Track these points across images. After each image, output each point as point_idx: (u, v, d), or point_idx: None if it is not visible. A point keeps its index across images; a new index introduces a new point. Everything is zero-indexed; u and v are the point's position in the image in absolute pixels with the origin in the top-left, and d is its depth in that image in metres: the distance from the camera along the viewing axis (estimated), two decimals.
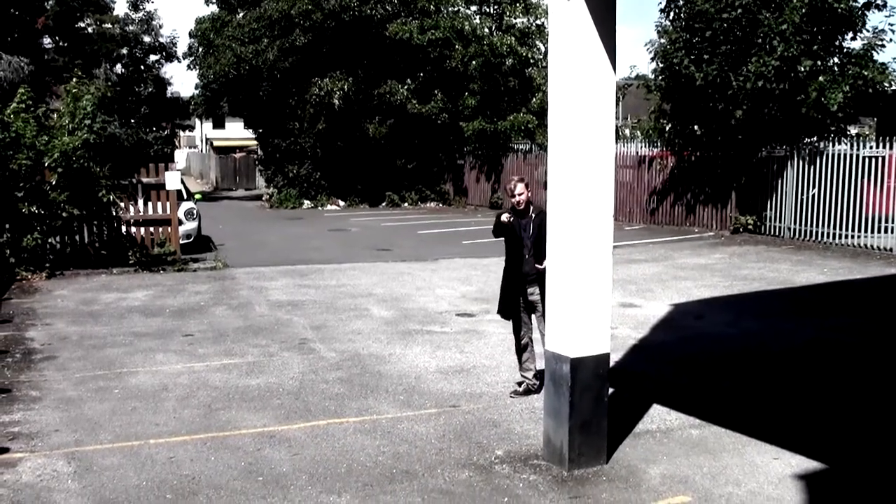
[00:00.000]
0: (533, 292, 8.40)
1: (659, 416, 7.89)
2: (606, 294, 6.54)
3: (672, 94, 23.91)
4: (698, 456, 6.86)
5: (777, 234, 21.93)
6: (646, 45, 23.89)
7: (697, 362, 9.84)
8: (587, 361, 6.46)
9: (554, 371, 6.60)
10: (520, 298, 8.49)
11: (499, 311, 8.81)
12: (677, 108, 24.17)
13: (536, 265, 8.19)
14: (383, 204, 36.05)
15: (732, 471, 6.53)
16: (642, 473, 6.51)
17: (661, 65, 23.58)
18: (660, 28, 24.06)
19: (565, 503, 5.97)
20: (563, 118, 6.42)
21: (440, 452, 7.00)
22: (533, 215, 8.30)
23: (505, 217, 8.22)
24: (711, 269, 16.91)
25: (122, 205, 18.08)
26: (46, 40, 41.47)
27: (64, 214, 17.03)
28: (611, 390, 6.81)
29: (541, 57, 34.67)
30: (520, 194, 8.24)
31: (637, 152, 26.61)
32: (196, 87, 42.75)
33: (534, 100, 33.25)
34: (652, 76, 25.02)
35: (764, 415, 7.94)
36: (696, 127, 23.99)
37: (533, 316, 8.60)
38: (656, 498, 6.06)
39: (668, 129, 25.04)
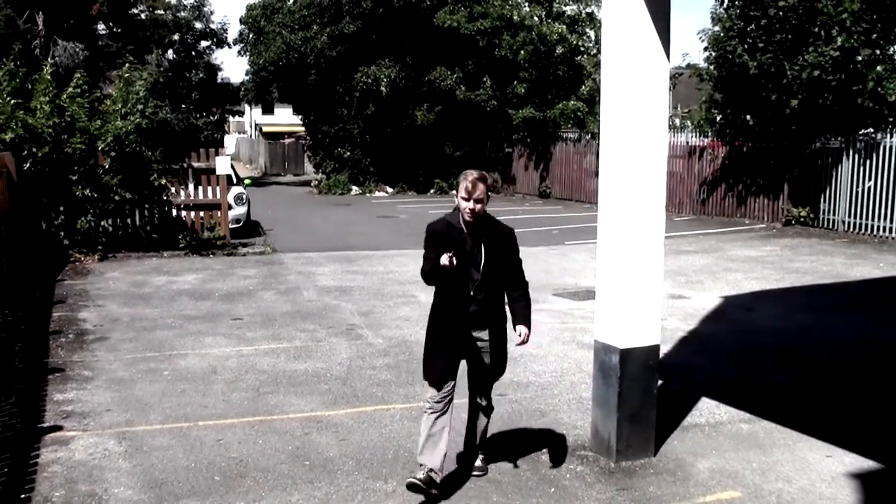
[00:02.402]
0: (482, 336, 5.88)
1: (708, 410, 7.80)
2: (657, 285, 6.47)
3: (725, 83, 23.63)
4: (748, 451, 6.77)
5: (830, 227, 21.62)
6: (699, 33, 23.67)
7: (747, 356, 9.72)
8: (636, 352, 6.40)
9: (603, 362, 6.54)
10: (458, 353, 5.90)
11: (426, 376, 5.91)
12: (730, 97, 23.89)
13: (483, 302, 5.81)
14: (431, 191, 36.06)
15: (783, 467, 6.43)
16: (690, 467, 6.44)
17: (714, 53, 23.31)
18: (715, 16, 23.76)
19: (612, 495, 5.92)
20: (616, 107, 6.34)
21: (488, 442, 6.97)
22: (485, 235, 5.75)
23: (445, 259, 5.44)
24: (762, 261, 16.70)
25: (173, 189, 18.27)
26: (101, 26, 41.90)
27: (116, 198, 17.23)
28: (659, 382, 6.74)
29: (591, 45, 34.46)
30: (478, 200, 5.59)
31: (687, 142, 26.37)
32: (246, 74, 43.09)
33: (583, 88, 33.05)
34: (704, 65, 24.76)
35: (816, 411, 7.82)
36: (748, 117, 23.69)
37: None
38: (705, 492, 5.98)
39: (719, 118, 24.75)
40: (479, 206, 5.61)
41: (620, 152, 6.32)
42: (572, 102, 32.39)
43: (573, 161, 31.69)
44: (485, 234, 5.75)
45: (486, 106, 34.15)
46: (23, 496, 5.78)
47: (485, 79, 34.40)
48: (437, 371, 5.82)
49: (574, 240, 19.63)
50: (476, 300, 5.77)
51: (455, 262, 5.43)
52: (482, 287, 5.76)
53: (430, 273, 5.68)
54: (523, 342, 5.86)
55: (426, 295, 13.01)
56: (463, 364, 5.99)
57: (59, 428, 7.21)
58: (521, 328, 5.86)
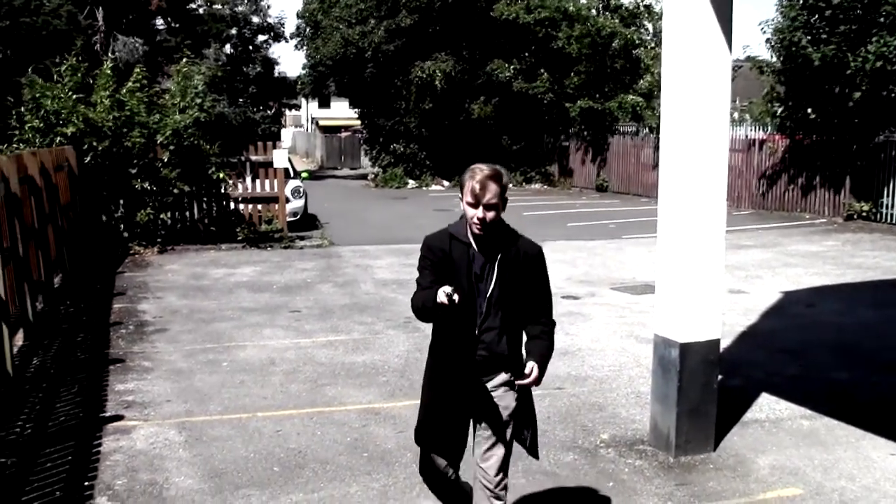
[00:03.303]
0: (498, 391, 4.39)
1: (768, 405, 7.69)
2: (718, 278, 6.39)
3: (786, 75, 23.28)
4: (809, 448, 6.66)
5: (893, 221, 21.22)
6: (760, 24, 23.32)
7: (808, 351, 9.56)
8: (697, 347, 6.33)
9: (662, 356, 6.48)
10: (464, 411, 4.42)
11: (417, 439, 4.50)
12: (791, 89, 23.53)
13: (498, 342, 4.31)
14: None
15: (846, 464, 6.32)
16: (751, 463, 6.35)
17: (776, 45, 22.98)
18: (779, 6, 23.41)
19: (671, 490, 5.86)
20: (677, 99, 6.27)
21: (544, 434, 6.92)
22: (501, 252, 4.27)
23: (443, 296, 3.96)
24: (823, 256, 16.44)
25: (231, 182, 18.43)
26: (159, 21, 42.44)
27: (175, 191, 17.43)
28: (719, 377, 6.66)
29: (648, 38, 34.15)
30: (489, 205, 4.16)
31: (746, 135, 26.03)
32: (303, 68, 43.32)
33: (641, 81, 32.79)
34: (765, 57, 24.43)
35: (879, 408, 7.66)
36: (809, 110, 23.32)
37: (481, 443, 4.48)
38: (765, 489, 5.90)
39: (780, 111, 24.39)
40: (491, 214, 4.15)
41: (681, 145, 6.25)
42: (630, 96, 32.14)
43: (630, 155, 31.44)
44: (500, 252, 4.25)
45: (542, 98, 34.01)
46: (86, 483, 5.88)
47: (541, 71, 34.25)
48: (431, 443, 4.45)
49: (631, 234, 19.48)
50: (484, 343, 4.28)
51: (458, 299, 3.94)
52: (493, 324, 4.26)
53: (424, 309, 4.19)
54: (530, 382, 4.24)
55: None
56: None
57: (120, 417, 7.31)
58: (532, 365, 4.24)
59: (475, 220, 4.16)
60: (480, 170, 4.18)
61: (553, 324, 4.47)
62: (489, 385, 4.35)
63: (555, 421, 7.27)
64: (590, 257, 16.03)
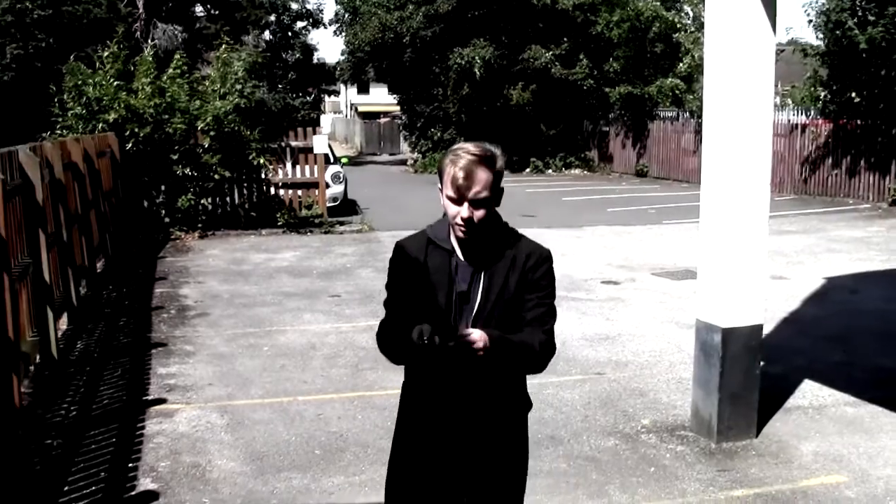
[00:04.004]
0: (485, 445, 3.32)
1: (811, 392, 7.60)
2: (761, 264, 6.33)
3: (831, 58, 22.95)
4: (853, 435, 6.58)
5: None
6: (804, 6, 23.02)
7: (852, 338, 9.44)
8: (739, 332, 6.27)
9: (704, 341, 6.43)
10: (444, 471, 3.35)
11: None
12: (836, 73, 23.21)
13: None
14: (527, 170, 35.86)
15: (891, 453, 6.23)
16: (793, 450, 6.29)
17: (821, 27, 22.66)
18: None
19: (713, 475, 5.82)
20: (720, 82, 6.19)
21: (585, 419, 6.93)
22: (494, 261, 3.22)
23: (417, 334, 2.94)
24: (867, 242, 16.22)
25: (271, 167, 18.48)
26: (198, 9, 42.65)
27: (216, 176, 17.53)
28: (761, 363, 6.59)
29: (689, 22, 33.82)
30: (477, 200, 3.09)
31: (789, 120, 25.72)
32: (342, 54, 43.34)
33: (681, 65, 32.50)
34: (811, 39, 24.13)
35: None
36: (853, 94, 22.99)
37: None
38: (808, 476, 5.84)
39: (823, 95, 24.07)
40: (479, 213, 3.08)
41: (724, 129, 6.17)
42: (669, 80, 31.87)
43: (671, 140, 31.20)
44: (494, 261, 3.19)
45: (582, 84, 33.84)
46: (130, 465, 5.94)
47: (580, 56, 34.07)
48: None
49: (672, 219, 19.34)
50: (470, 382, 3.19)
51: (438, 340, 2.91)
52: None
53: (392, 345, 3.21)
54: (469, 339, 2.95)
55: None
56: None
57: (163, 401, 7.38)
58: (485, 334, 2.98)
59: (458, 220, 3.07)
60: (465, 152, 3.06)
61: (552, 352, 3.23)
62: (480, 442, 3.26)
63: (595, 406, 7.24)
64: (630, 242, 15.94)
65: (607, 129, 34.97)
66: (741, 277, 6.24)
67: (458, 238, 3.18)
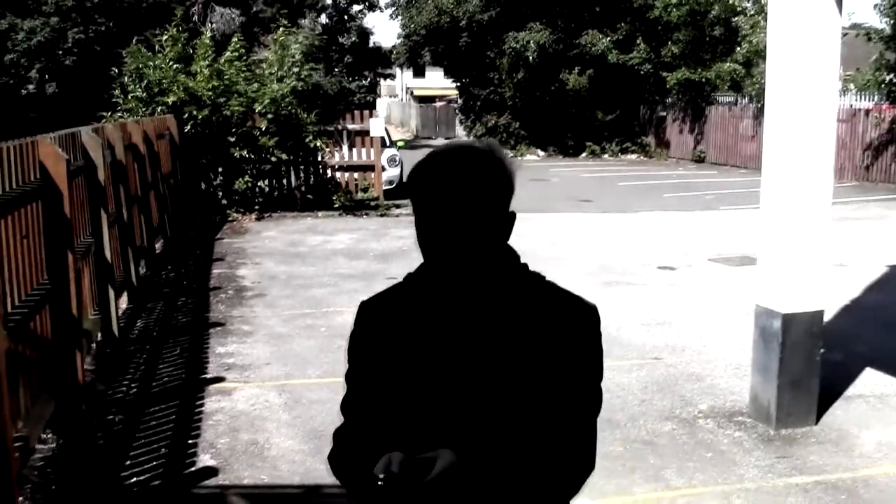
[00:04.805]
0: None
1: (872, 380, 7.48)
2: (822, 250, 6.23)
3: None
4: None
5: None
6: None
7: None
8: (800, 318, 6.19)
9: (764, 327, 6.35)
10: None
11: None
12: None
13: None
14: (583, 155, 35.66)
15: None
16: (854, 438, 6.20)
17: (886, 10, 22.21)
18: None
19: (772, 462, 5.75)
20: (783, 66, 6.09)
21: (642, 403, 6.89)
22: (503, 326, 2.01)
23: (382, 468, 1.80)
24: None
25: (328, 150, 18.57)
26: None
27: (273, 159, 17.65)
28: (821, 350, 6.50)
29: (748, 5, 33.32)
30: (456, 229, 1.96)
31: (851, 105, 25.24)
32: (397, 37, 43.41)
33: (739, 50, 32.04)
34: (875, 23, 23.68)
35: None
36: None
37: None
38: (870, 465, 5.75)
39: (889, 79, 23.60)
40: (465, 252, 1.99)
41: (787, 114, 6.08)
42: (728, 64, 31.44)
43: (729, 125, 30.82)
44: (503, 326, 2.03)
45: (638, 69, 33.55)
46: (189, 441, 6.02)
47: (638, 41, 33.76)
48: None
49: (729, 205, 19.11)
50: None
51: (397, 484, 1.80)
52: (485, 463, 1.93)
53: (348, 473, 2.08)
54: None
55: (578, 258, 13.02)
56: None
57: (221, 379, 7.46)
58: (444, 461, 1.84)
59: (437, 265, 2.04)
60: (433, 166, 1.99)
61: (579, 466, 2.02)
62: None
63: (652, 391, 7.20)
64: (687, 228, 15.79)
65: (664, 114, 34.64)
66: (802, 263, 6.14)
67: (443, 296, 2.06)
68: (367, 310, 2.19)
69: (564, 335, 2.03)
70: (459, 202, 1.93)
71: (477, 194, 1.94)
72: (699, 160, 31.89)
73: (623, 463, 5.73)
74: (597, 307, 2.12)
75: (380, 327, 2.13)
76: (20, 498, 4.73)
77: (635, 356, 8.12)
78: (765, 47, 6.64)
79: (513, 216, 2.06)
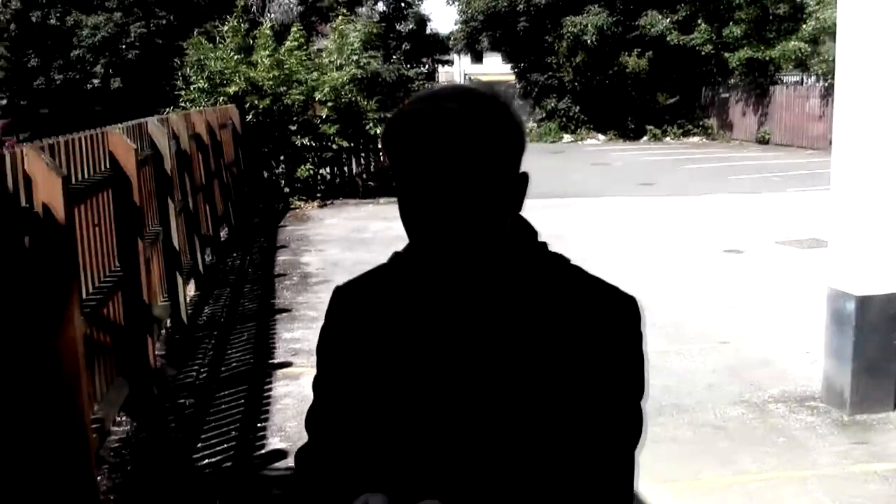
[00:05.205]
0: None
1: None
2: None
3: None
4: None
5: None
6: None
7: None
8: (876, 300, 6.05)
9: (837, 310, 6.22)
10: None
11: None
12: None
13: None
14: (644, 138, 35.37)
15: None
16: None
17: None
18: None
19: (847, 448, 5.64)
20: (854, 41, 5.95)
21: (710, 388, 6.80)
22: (514, 323, 1.50)
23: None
24: None
25: None
26: None
27: (334, 146, 17.76)
28: None
29: None
30: (453, 197, 1.44)
31: None
32: (455, 23, 43.32)
33: (806, 27, 31.46)
34: None
35: None
36: None
37: None
38: None
39: None
40: (464, 226, 1.46)
41: (860, 92, 5.93)
42: (793, 43, 30.89)
43: (794, 105, 30.30)
44: (513, 323, 1.51)
45: (700, 50, 33.13)
46: (258, 424, 6.09)
47: (699, 21, 33.33)
48: None
49: (796, 187, 18.80)
50: None
51: None
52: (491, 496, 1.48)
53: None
54: None
55: (642, 241, 12.89)
56: None
57: (288, 364, 7.52)
58: None
59: (427, 245, 1.55)
60: (418, 115, 1.47)
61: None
62: None
63: (720, 375, 7.10)
64: (753, 211, 15.56)
65: (727, 95, 34.19)
66: (877, 244, 6.00)
67: (435, 282, 1.59)
68: (343, 297, 1.71)
69: (594, 337, 1.51)
70: (453, 160, 1.42)
71: (477, 149, 1.43)
72: (763, 142, 31.42)
73: (692, 447, 5.67)
74: (636, 300, 1.59)
75: (356, 321, 1.65)
76: (98, 478, 4.81)
77: (701, 340, 8.03)
78: (834, 24, 6.50)
79: (524, 179, 1.54)
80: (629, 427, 1.55)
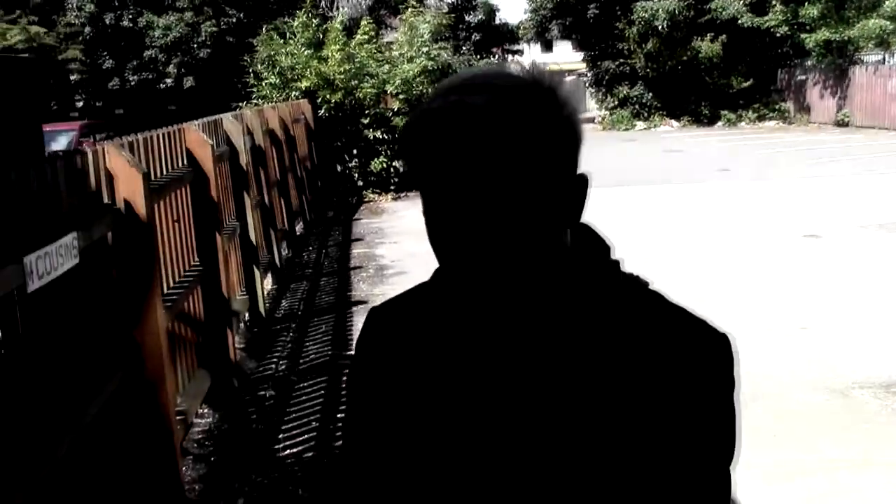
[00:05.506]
0: None
1: None
2: None
3: None
4: None
5: None
6: None
7: None
8: None
9: None
10: None
11: None
12: None
13: None
14: (719, 123, 34.87)
15: None
16: None
17: None
18: None
19: None
20: None
21: (792, 374, 6.69)
22: (574, 358, 1.21)
23: None
24: None
25: None
26: None
27: None
28: None
29: None
30: (485, 202, 1.14)
31: None
32: (524, 12, 43.16)
33: (889, 3, 30.61)
34: None
35: None
36: None
37: None
38: None
39: None
40: (503, 238, 1.16)
41: None
42: (874, 21, 30.10)
43: (876, 85, 29.58)
44: (578, 365, 1.21)
45: (774, 32, 32.52)
46: (339, 416, 6.10)
47: (773, 2, 32.72)
48: None
49: (879, 170, 18.38)
50: None
51: None
52: None
53: None
54: None
55: (720, 227, 12.71)
56: None
57: None
58: None
59: (462, 271, 1.22)
60: (441, 114, 1.15)
61: None
62: None
63: (801, 361, 6.97)
64: (834, 194, 15.24)
65: (803, 77, 33.52)
66: None
67: (476, 309, 1.28)
68: (378, 324, 1.45)
69: (676, 385, 1.22)
70: (481, 168, 1.14)
71: (510, 152, 1.14)
72: (843, 124, 30.75)
73: (773, 433, 5.57)
74: (730, 337, 1.30)
75: (393, 356, 1.37)
76: (182, 468, 4.90)
77: (782, 326, 7.89)
78: None
79: (582, 182, 1.29)
80: (720, 493, 1.25)
